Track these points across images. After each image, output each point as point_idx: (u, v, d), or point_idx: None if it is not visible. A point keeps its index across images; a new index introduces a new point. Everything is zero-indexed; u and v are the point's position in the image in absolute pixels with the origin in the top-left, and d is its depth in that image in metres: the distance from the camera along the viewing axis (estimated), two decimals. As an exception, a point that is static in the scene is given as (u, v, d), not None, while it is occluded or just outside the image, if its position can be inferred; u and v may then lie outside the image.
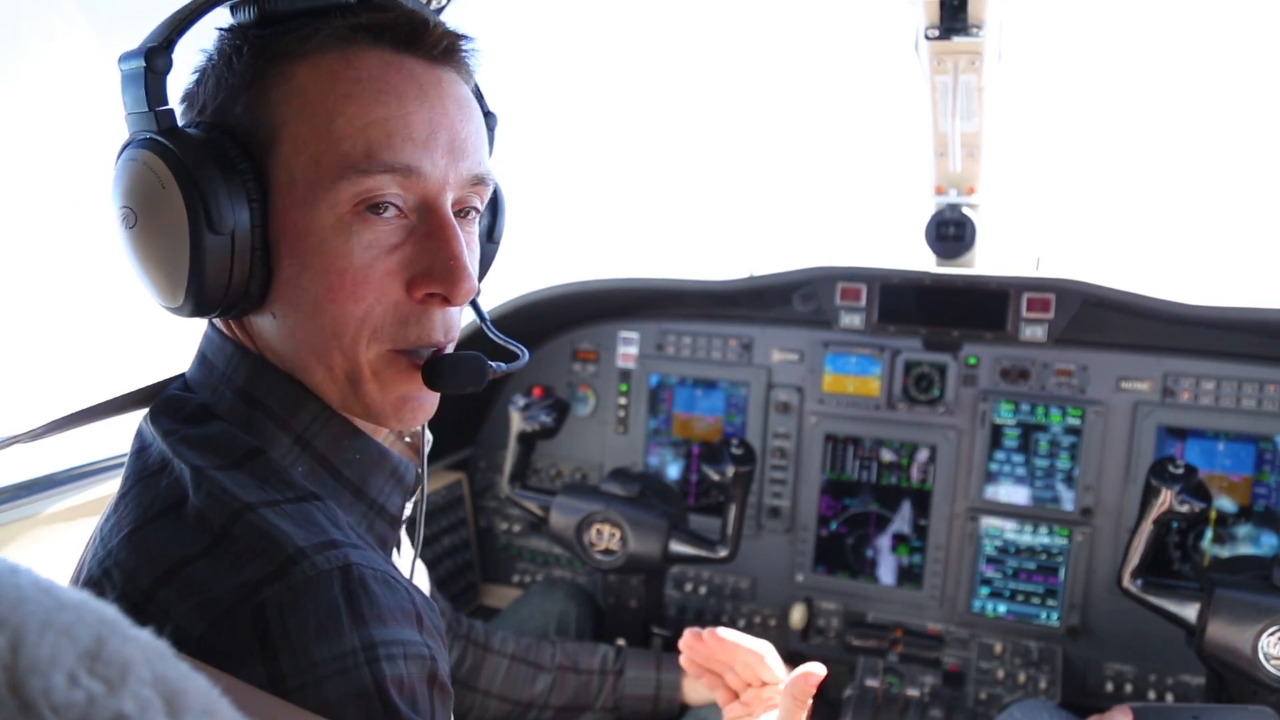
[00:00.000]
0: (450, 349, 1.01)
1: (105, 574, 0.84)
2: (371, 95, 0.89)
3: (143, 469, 0.92)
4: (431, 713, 0.85)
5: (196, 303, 0.90)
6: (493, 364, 1.02)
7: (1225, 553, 2.18)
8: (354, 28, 0.90)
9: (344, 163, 0.87)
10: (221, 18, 0.96)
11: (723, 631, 1.63)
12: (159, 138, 0.88)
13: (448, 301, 0.94)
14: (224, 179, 0.87)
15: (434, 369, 0.96)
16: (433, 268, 0.92)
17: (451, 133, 0.93)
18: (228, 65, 0.91)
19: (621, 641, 2.08)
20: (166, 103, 0.90)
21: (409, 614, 0.86)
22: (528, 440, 2.25)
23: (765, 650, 1.62)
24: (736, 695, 1.67)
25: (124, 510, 0.89)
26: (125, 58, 0.90)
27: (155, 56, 0.88)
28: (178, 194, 0.86)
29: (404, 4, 0.94)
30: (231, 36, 0.93)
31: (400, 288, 0.92)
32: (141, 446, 0.96)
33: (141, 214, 0.89)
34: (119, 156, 0.91)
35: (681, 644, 1.67)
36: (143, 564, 0.82)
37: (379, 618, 0.82)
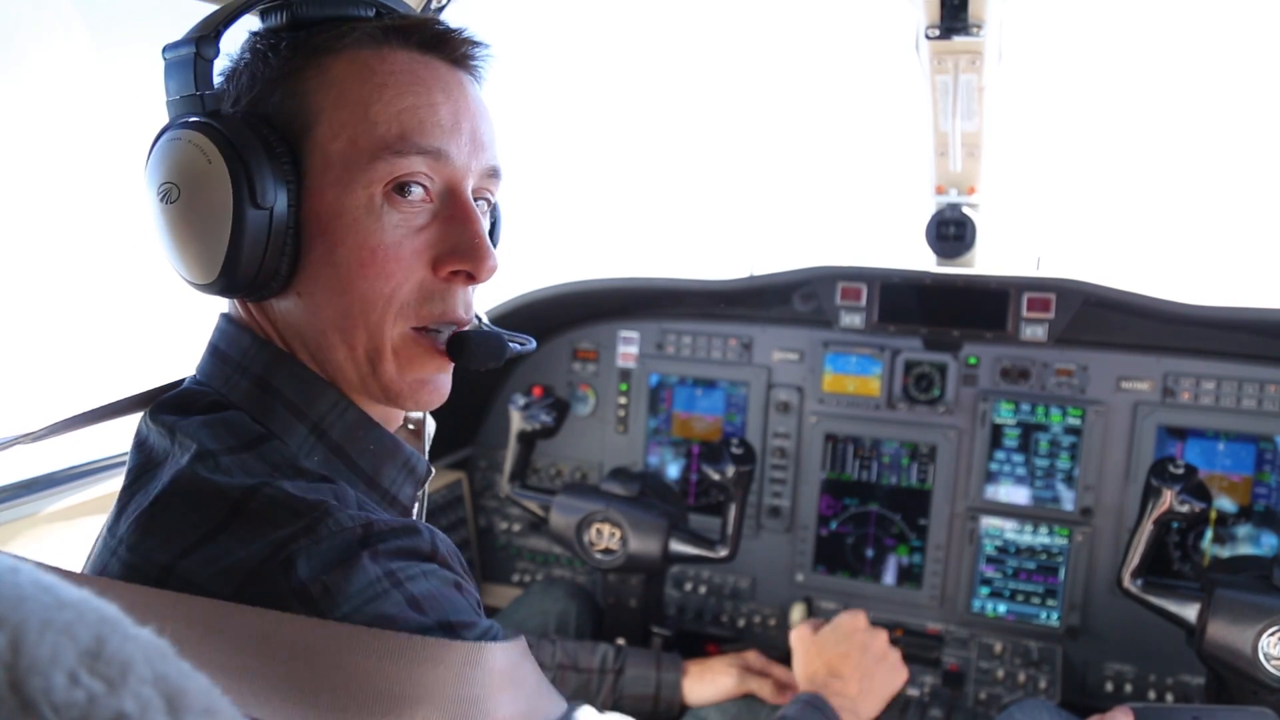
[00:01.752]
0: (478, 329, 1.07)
1: (119, 560, 0.86)
2: (405, 85, 0.96)
3: (146, 461, 0.94)
4: (470, 609, 0.90)
5: (230, 279, 0.93)
6: (511, 344, 1.08)
7: (1225, 553, 2.18)
8: (385, 29, 0.98)
9: (380, 144, 0.93)
10: (251, 23, 1.02)
11: None
12: (205, 118, 0.93)
13: (472, 279, 0.99)
14: (267, 157, 0.92)
15: (458, 343, 1.01)
16: (458, 246, 0.97)
17: (473, 126, 1.00)
18: (263, 60, 0.97)
19: (621, 641, 2.08)
20: (214, 87, 0.96)
21: (423, 554, 0.90)
22: (528, 440, 2.25)
23: None
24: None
25: (130, 500, 0.91)
26: (172, 47, 0.96)
27: (205, 44, 0.94)
28: (224, 168, 0.90)
29: (424, 14, 1.03)
30: (266, 36, 1.00)
31: (426, 266, 0.97)
32: (141, 442, 0.97)
33: (185, 189, 0.92)
34: (157, 139, 0.95)
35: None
36: (159, 544, 0.84)
37: (394, 553, 0.86)
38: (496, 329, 1.07)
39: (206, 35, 0.94)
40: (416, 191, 0.96)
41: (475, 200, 1.02)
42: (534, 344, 1.20)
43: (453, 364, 1.03)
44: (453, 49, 1.01)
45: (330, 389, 0.99)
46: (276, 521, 0.82)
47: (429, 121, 0.95)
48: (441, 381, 1.04)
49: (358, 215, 0.93)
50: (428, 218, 0.97)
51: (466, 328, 1.03)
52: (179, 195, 0.92)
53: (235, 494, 0.84)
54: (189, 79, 0.94)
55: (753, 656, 2.00)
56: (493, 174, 1.04)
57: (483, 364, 1.03)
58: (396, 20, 0.99)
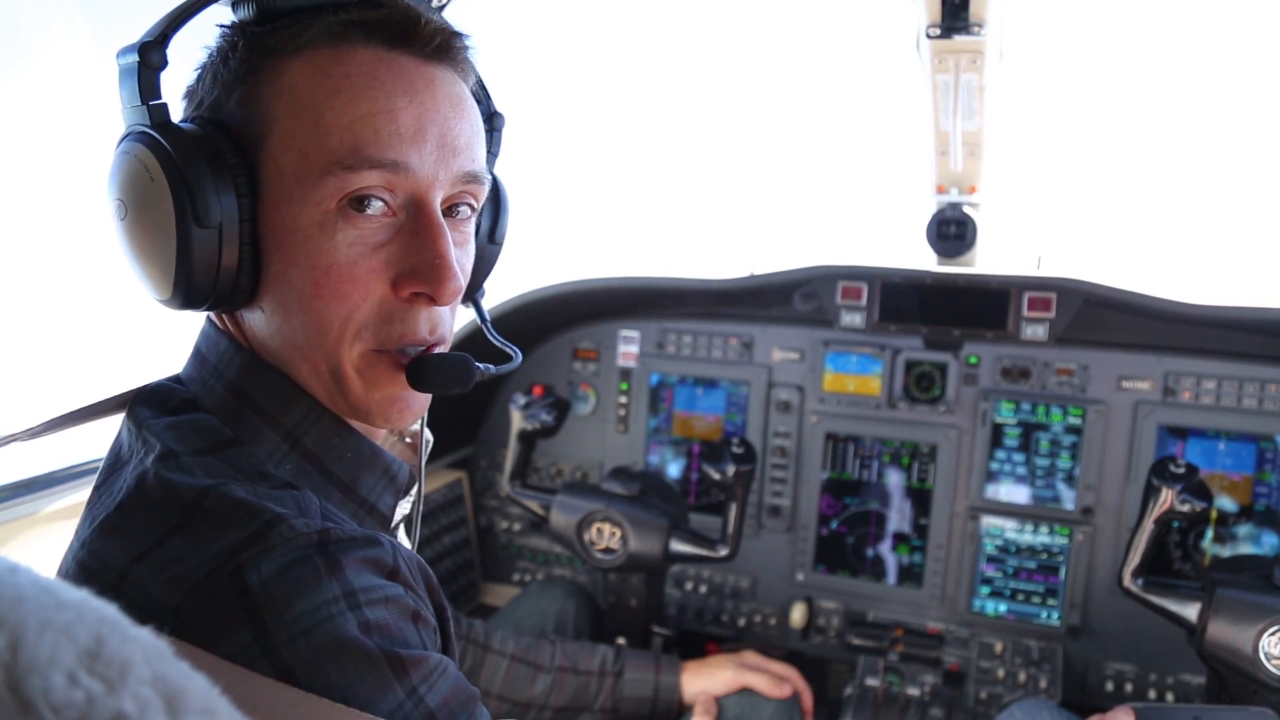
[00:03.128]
0: (444, 348, 1.00)
1: (79, 565, 0.85)
2: (360, 91, 0.88)
3: (115, 461, 0.93)
4: (421, 644, 0.86)
5: (185, 295, 0.90)
6: (481, 366, 1.01)
7: (1226, 552, 2.18)
8: (346, 24, 0.90)
9: (330, 158, 0.87)
10: (224, 16, 0.96)
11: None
12: (151, 131, 0.88)
13: (433, 301, 0.93)
14: (213, 173, 0.87)
15: (418, 369, 0.95)
16: (418, 266, 0.91)
17: (442, 129, 0.92)
18: (224, 61, 0.92)
19: (621, 641, 2.08)
20: (159, 97, 0.90)
21: (385, 566, 0.87)
22: (528, 439, 2.25)
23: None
24: None
25: (95, 503, 0.90)
26: (122, 52, 0.91)
27: (149, 51, 0.89)
28: (165, 187, 0.86)
29: (397, 1, 0.94)
30: (229, 33, 0.94)
31: (386, 285, 0.92)
32: (116, 441, 0.96)
33: (131, 207, 0.90)
34: (115, 150, 0.92)
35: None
36: (116, 549, 0.82)
37: (354, 568, 0.82)
38: (463, 354, 0.99)
39: (151, 42, 0.88)
40: (375, 205, 0.89)
41: (453, 208, 0.97)
42: (518, 359, 1.15)
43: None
44: (423, 43, 0.92)
45: (304, 396, 0.96)
46: (227, 524, 0.80)
47: (385, 131, 0.88)
48: (413, 399, 0.98)
49: (310, 233, 0.88)
50: (389, 233, 0.91)
51: (438, 349, 0.97)
52: (127, 213, 0.90)
53: (189, 495, 0.82)
54: (135, 89, 0.89)
55: (750, 655, 2.00)
56: (470, 179, 0.96)
57: (445, 389, 0.96)
58: (358, 15, 0.90)
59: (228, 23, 0.95)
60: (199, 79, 0.95)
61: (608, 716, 1.87)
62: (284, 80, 0.89)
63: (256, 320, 0.96)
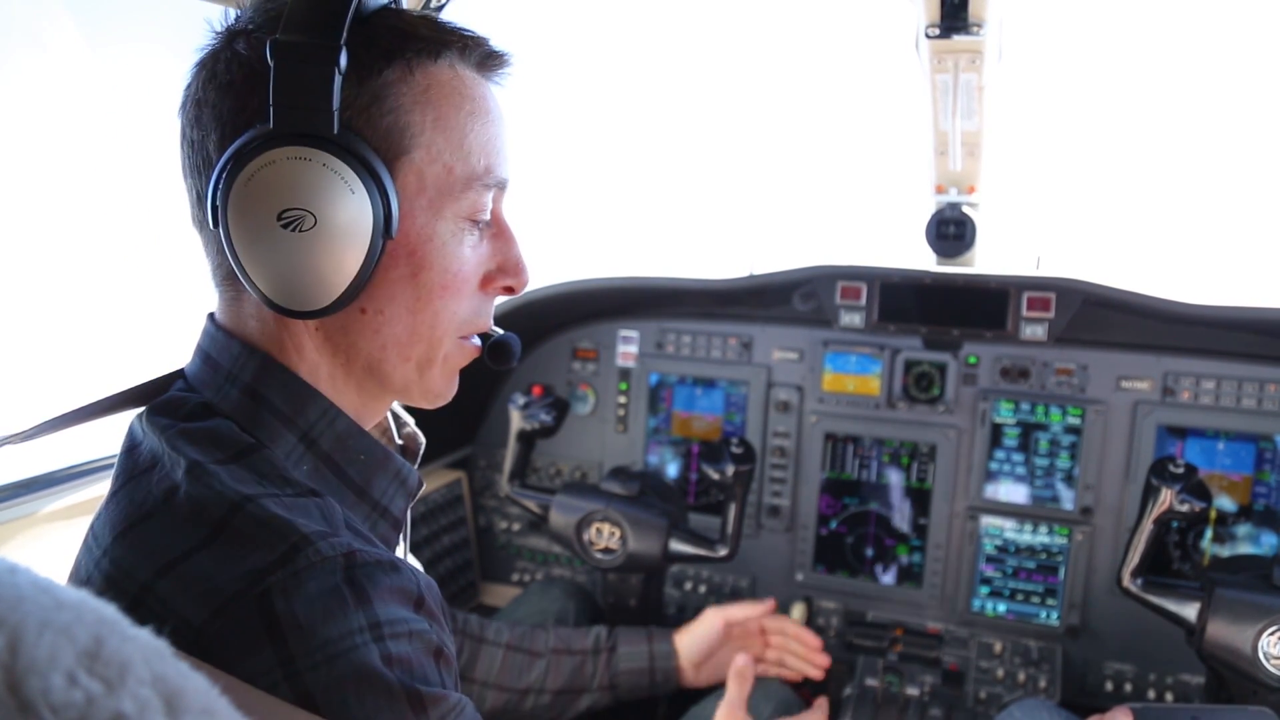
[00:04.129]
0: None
1: (103, 574, 0.84)
2: (485, 113, 0.99)
3: (133, 467, 0.92)
4: (441, 682, 0.87)
5: (338, 304, 0.91)
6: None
7: (1225, 552, 2.18)
8: (437, 42, 0.96)
9: (472, 176, 0.97)
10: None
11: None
12: (339, 142, 0.86)
13: (511, 291, 1.06)
14: (386, 184, 0.90)
15: (501, 350, 1.09)
16: (505, 264, 1.04)
17: None
18: (337, 65, 0.86)
19: None
20: (340, 103, 0.88)
21: (411, 595, 0.88)
22: (527, 439, 2.25)
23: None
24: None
25: (115, 509, 0.89)
26: (293, 47, 0.85)
27: (337, 52, 0.85)
28: (366, 200, 0.88)
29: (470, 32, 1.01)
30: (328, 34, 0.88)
31: (478, 283, 1.03)
32: (132, 445, 0.95)
33: (324, 217, 0.86)
34: (277, 154, 0.85)
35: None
36: (139, 559, 0.82)
37: (382, 598, 0.83)
38: (514, 334, 1.12)
39: (342, 41, 0.85)
40: (486, 217, 1.00)
41: None
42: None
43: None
44: (497, 69, 1.03)
45: (320, 397, 0.97)
46: (255, 544, 0.80)
47: (504, 153, 1.01)
48: (457, 382, 1.10)
49: (445, 240, 0.96)
50: (482, 238, 1.02)
51: (495, 334, 1.10)
52: (316, 223, 0.86)
53: (218, 512, 0.82)
54: (314, 87, 0.84)
55: (742, 661, 2.00)
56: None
57: (514, 364, 1.12)
58: (446, 35, 0.96)
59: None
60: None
61: (607, 695, 1.87)
62: (420, 92, 0.93)
63: (342, 322, 0.96)
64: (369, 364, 0.99)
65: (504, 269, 1.04)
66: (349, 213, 0.87)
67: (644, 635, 1.95)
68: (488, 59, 1.00)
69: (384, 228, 0.89)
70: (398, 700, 0.79)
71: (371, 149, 0.89)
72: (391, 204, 0.90)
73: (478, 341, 1.07)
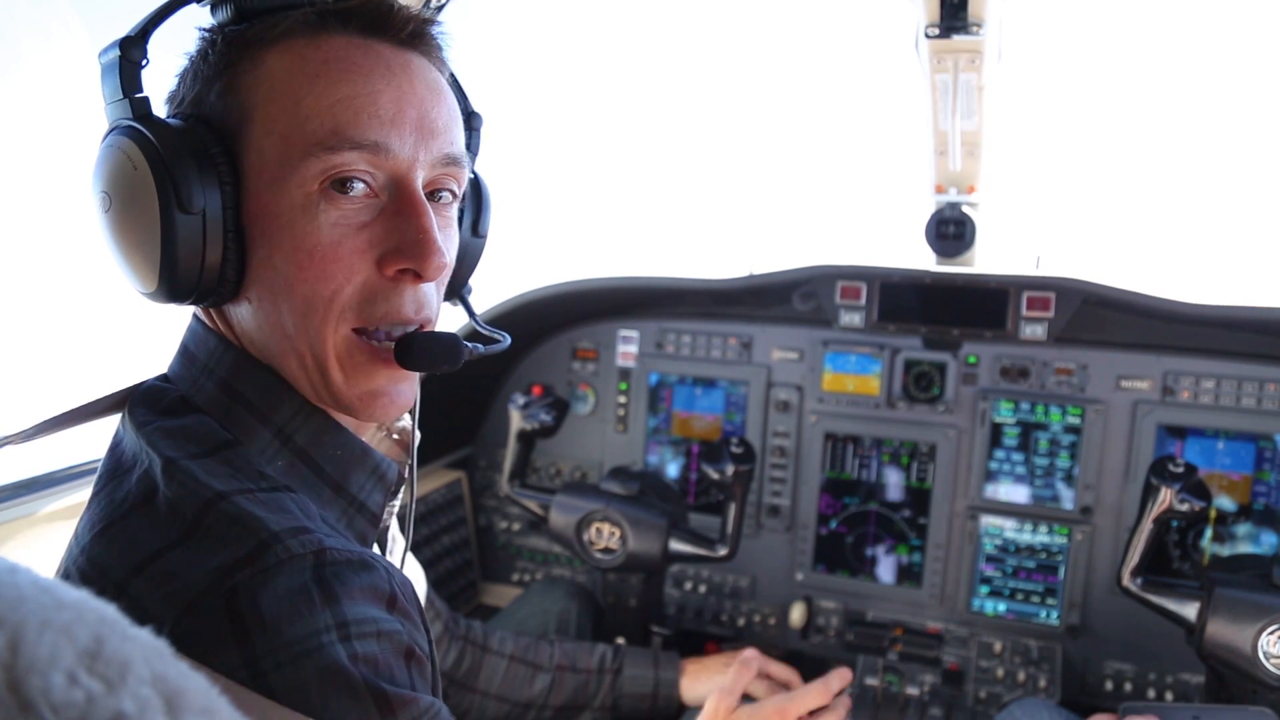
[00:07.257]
0: (429, 330, 1.01)
1: (79, 571, 0.85)
2: (338, 74, 0.90)
3: (115, 466, 0.92)
4: (411, 684, 0.85)
5: (171, 287, 0.90)
6: (469, 345, 1.02)
7: (1225, 551, 2.18)
8: (321, 14, 0.93)
9: (311, 140, 0.89)
10: (204, 19, 0.98)
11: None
12: (133, 123, 0.90)
13: (419, 277, 0.94)
14: (195, 161, 0.89)
15: (405, 346, 0.95)
16: (402, 243, 0.92)
17: (420, 111, 0.94)
18: (203, 59, 0.94)
19: (621, 640, 2.08)
20: (141, 91, 0.92)
21: (383, 594, 0.87)
22: (527, 439, 2.25)
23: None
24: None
25: (96, 507, 0.90)
26: (104, 50, 0.93)
27: (130, 47, 0.91)
28: (149, 174, 0.87)
29: None
30: (208, 33, 0.96)
31: (370, 265, 0.93)
32: (116, 443, 0.96)
33: (116, 198, 0.91)
34: (99, 145, 0.93)
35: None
36: (115, 558, 0.82)
37: (351, 596, 0.82)
38: (451, 332, 1.01)
39: (132, 37, 0.91)
40: (357, 187, 0.91)
41: (435, 193, 0.98)
42: (506, 340, 1.15)
43: (405, 370, 0.97)
44: (398, 29, 0.95)
45: (294, 394, 0.97)
46: (225, 542, 0.80)
47: (365, 112, 0.90)
48: (396, 393, 0.98)
49: (294, 215, 0.89)
50: (372, 213, 0.92)
51: (422, 329, 0.98)
52: (111, 204, 0.91)
53: (191, 510, 0.82)
54: (117, 83, 0.91)
55: (749, 653, 2.00)
56: (449, 162, 0.97)
57: (434, 367, 0.97)
58: (333, 4, 0.93)
59: (207, 26, 0.97)
60: (180, 81, 0.97)
61: (608, 714, 1.87)
62: (262, 70, 0.91)
63: (244, 314, 0.96)
64: (274, 365, 0.96)
65: (402, 248, 0.92)
66: (133, 189, 0.89)
67: (650, 659, 1.91)
68: (372, 21, 0.93)
69: (177, 201, 0.87)
70: (363, 701, 0.78)
71: (213, 132, 0.91)
72: (187, 178, 0.88)
73: (386, 338, 0.95)
